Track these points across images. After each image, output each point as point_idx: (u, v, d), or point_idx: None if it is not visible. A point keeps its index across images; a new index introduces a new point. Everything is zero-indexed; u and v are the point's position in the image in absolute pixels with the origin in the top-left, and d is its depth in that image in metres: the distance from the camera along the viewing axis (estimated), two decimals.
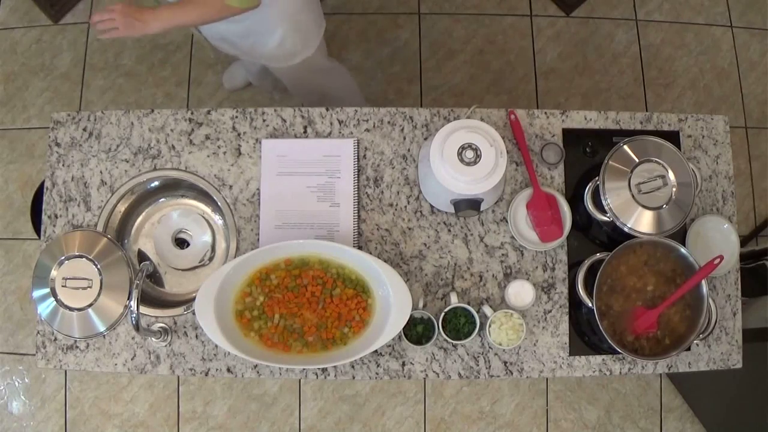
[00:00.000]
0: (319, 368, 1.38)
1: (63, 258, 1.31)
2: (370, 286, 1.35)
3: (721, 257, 1.30)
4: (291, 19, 1.58)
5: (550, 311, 1.43)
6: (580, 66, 2.53)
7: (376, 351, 1.38)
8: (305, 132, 1.48)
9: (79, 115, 1.49)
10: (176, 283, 1.52)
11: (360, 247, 1.43)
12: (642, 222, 1.33)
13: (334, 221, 1.43)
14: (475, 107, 1.49)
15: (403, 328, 1.34)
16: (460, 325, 1.36)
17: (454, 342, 1.36)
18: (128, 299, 1.31)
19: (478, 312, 1.39)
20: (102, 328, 1.32)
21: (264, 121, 1.48)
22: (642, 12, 2.59)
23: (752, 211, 2.46)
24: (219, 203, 1.46)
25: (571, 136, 1.50)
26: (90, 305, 1.30)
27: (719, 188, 1.51)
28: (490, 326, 1.36)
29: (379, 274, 1.31)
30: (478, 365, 1.41)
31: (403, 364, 1.40)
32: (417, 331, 1.37)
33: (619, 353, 1.34)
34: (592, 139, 1.49)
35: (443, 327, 1.37)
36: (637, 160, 1.34)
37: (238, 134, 1.48)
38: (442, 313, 1.37)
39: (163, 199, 1.54)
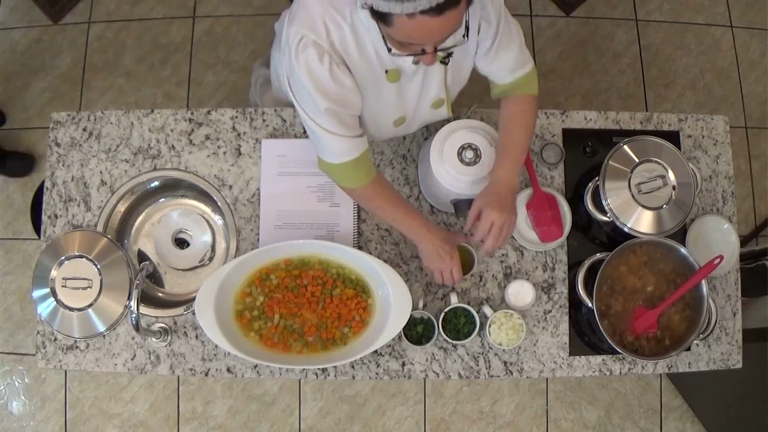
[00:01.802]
0: (319, 368, 1.38)
1: (63, 258, 1.31)
2: (370, 286, 1.35)
3: (721, 257, 1.30)
4: None
5: (550, 311, 1.43)
6: (580, 66, 2.53)
7: (376, 351, 1.38)
8: (305, 132, 1.48)
9: (79, 115, 1.49)
10: (176, 283, 1.51)
11: (360, 247, 1.43)
12: (642, 222, 1.33)
13: (334, 221, 1.43)
14: (475, 107, 1.49)
15: (403, 328, 1.34)
16: (460, 325, 1.36)
17: (454, 342, 1.36)
18: (128, 299, 1.31)
19: (478, 312, 1.39)
20: (102, 328, 1.32)
21: (264, 121, 1.48)
22: (642, 12, 2.59)
23: (752, 211, 2.45)
24: (219, 203, 1.46)
25: (571, 136, 1.50)
26: (90, 305, 1.30)
27: (719, 188, 1.51)
28: (490, 326, 1.36)
29: (379, 274, 1.31)
30: (478, 365, 1.41)
31: (403, 364, 1.40)
32: (417, 331, 1.37)
33: (619, 353, 1.34)
34: (592, 139, 1.49)
35: (443, 327, 1.37)
36: (637, 160, 1.34)
37: (238, 134, 1.48)
38: (442, 313, 1.36)
39: (163, 199, 1.54)
